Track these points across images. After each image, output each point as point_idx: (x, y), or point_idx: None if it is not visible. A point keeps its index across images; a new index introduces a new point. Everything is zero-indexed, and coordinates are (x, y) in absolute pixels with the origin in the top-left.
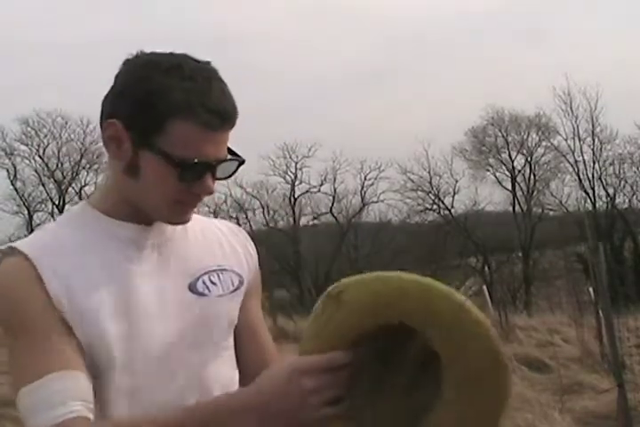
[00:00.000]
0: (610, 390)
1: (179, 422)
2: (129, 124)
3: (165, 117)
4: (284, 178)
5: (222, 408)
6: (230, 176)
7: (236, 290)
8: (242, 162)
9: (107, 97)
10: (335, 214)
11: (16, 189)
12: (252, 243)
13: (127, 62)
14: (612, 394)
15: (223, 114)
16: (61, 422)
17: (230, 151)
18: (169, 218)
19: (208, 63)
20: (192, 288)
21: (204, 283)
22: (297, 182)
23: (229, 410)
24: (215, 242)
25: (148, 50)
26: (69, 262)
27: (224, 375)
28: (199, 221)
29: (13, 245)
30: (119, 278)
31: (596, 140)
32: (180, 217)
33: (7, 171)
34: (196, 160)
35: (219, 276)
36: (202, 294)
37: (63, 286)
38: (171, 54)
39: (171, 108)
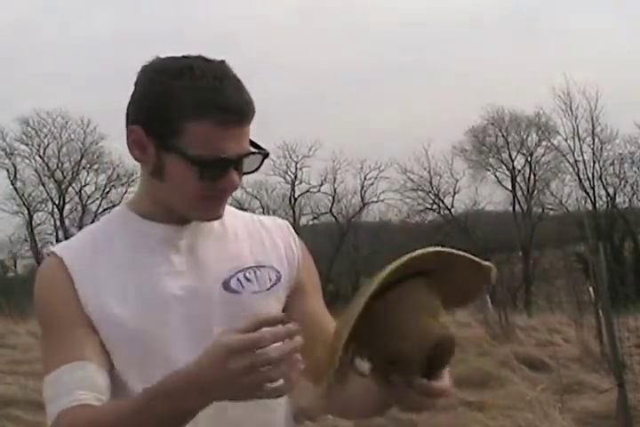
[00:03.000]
0: (610, 390)
1: (135, 406)
2: (148, 129)
3: (180, 120)
4: (284, 178)
5: (165, 389)
6: (257, 169)
7: (273, 286)
8: (266, 155)
9: (129, 104)
10: (335, 214)
11: (16, 189)
12: (299, 239)
13: (143, 69)
14: (611, 394)
15: (237, 110)
16: (64, 410)
17: (254, 144)
18: (200, 215)
19: (222, 62)
20: (226, 286)
21: (238, 280)
22: (297, 182)
23: (171, 390)
24: (257, 239)
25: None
26: (101, 265)
27: None
28: (242, 218)
29: (53, 248)
30: (148, 281)
31: (596, 139)
32: (211, 213)
33: (7, 171)
34: (215, 157)
35: (255, 272)
36: (235, 292)
37: (91, 288)
38: (183, 57)
39: (184, 110)
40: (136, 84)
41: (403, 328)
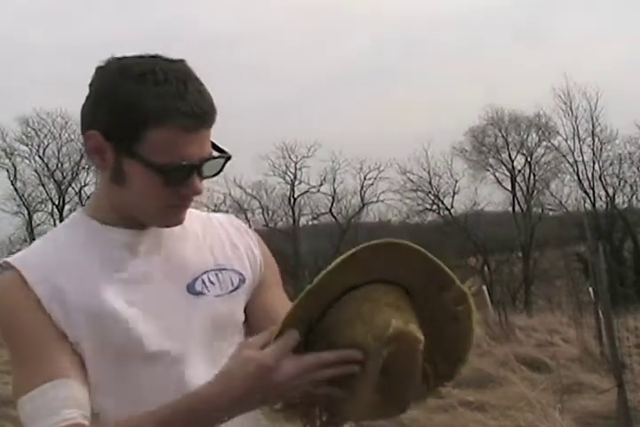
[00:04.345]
0: (610, 391)
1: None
2: (108, 135)
3: (143, 126)
4: (284, 178)
5: (195, 411)
6: (218, 173)
7: (236, 289)
8: (228, 158)
9: (84, 106)
10: (335, 214)
11: (16, 189)
12: (256, 237)
13: (100, 70)
14: (611, 394)
15: (201, 115)
16: None
17: (215, 148)
18: (162, 222)
19: (182, 62)
20: (190, 289)
21: (202, 282)
22: (296, 182)
23: (203, 411)
24: (216, 240)
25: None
26: (61, 272)
27: None
28: (200, 219)
29: (9, 260)
30: (110, 288)
31: (596, 140)
32: (172, 220)
33: (7, 171)
34: (178, 164)
35: (217, 275)
36: (199, 294)
37: (56, 301)
38: (142, 57)
39: (147, 116)
40: (92, 86)
41: (362, 314)
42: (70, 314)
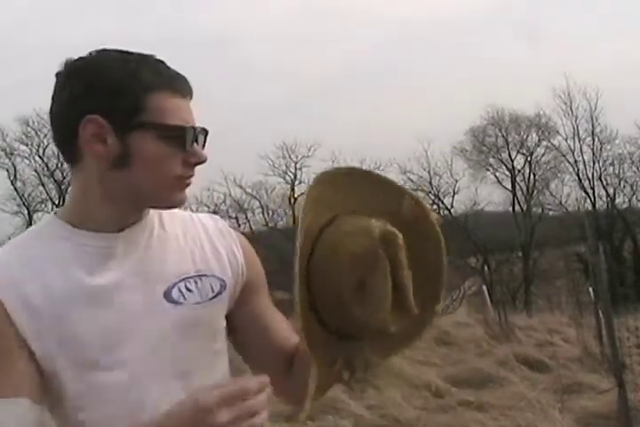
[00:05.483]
0: (610, 390)
1: None
2: (109, 115)
3: (143, 95)
4: (284, 178)
5: None
6: (204, 146)
7: (216, 296)
8: (207, 132)
9: (60, 109)
10: None
11: (16, 189)
12: (240, 239)
13: (70, 68)
14: (611, 394)
15: (185, 80)
16: None
17: None
18: (169, 199)
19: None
20: (167, 296)
21: (179, 290)
22: (296, 182)
23: None
24: (197, 245)
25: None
26: (31, 279)
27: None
28: (182, 220)
29: None
30: (82, 295)
31: (596, 140)
32: (179, 196)
33: (7, 171)
34: (182, 126)
35: (196, 282)
36: (176, 302)
37: (26, 312)
38: (107, 50)
39: (145, 85)
40: (67, 84)
41: (349, 230)
42: (40, 325)
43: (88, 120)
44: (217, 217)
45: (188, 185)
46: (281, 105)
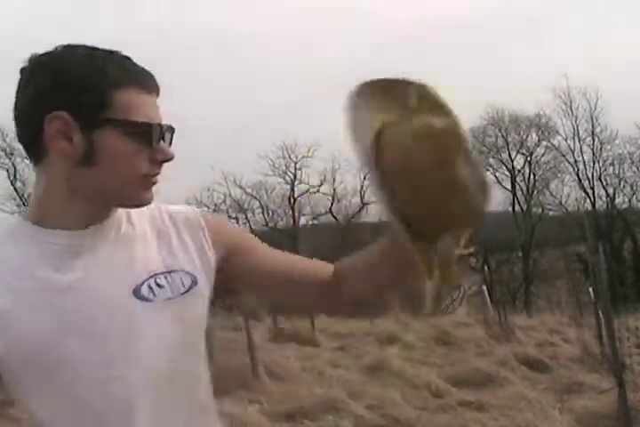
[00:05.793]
0: (610, 390)
1: None
2: (74, 111)
3: (109, 91)
4: (284, 178)
5: None
6: (171, 143)
7: (188, 290)
8: (174, 130)
9: (25, 105)
10: (335, 214)
11: (16, 189)
12: (211, 225)
13: (35, 63)
14: (612, 394)
15: (152, 76)
16: None
17: None
18: (136, 197)
19: None
20: (137, 293)
21: (149, 287)
22: (296, 182)
23: None
24: (165, 240)
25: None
26: None
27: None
28: (150, 216)
29: None
30: (49, 295)
31: (596, 140)
32: (145, 195)
33: (7, 171)
34: (147, 123)
35: (167, 278)
36: (147, 299)
37: None
38: (72, 46)
39: (111, 82)
40: (32, 80)
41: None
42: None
43: (53, 116)
44: (188, 207)
45: (154, 184)
46: (281, 105)
